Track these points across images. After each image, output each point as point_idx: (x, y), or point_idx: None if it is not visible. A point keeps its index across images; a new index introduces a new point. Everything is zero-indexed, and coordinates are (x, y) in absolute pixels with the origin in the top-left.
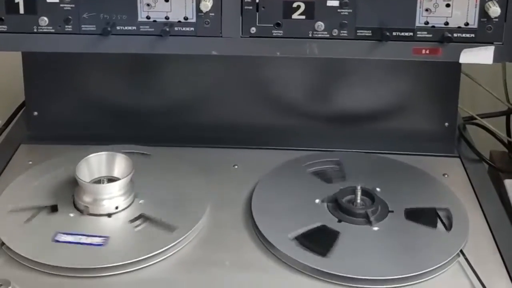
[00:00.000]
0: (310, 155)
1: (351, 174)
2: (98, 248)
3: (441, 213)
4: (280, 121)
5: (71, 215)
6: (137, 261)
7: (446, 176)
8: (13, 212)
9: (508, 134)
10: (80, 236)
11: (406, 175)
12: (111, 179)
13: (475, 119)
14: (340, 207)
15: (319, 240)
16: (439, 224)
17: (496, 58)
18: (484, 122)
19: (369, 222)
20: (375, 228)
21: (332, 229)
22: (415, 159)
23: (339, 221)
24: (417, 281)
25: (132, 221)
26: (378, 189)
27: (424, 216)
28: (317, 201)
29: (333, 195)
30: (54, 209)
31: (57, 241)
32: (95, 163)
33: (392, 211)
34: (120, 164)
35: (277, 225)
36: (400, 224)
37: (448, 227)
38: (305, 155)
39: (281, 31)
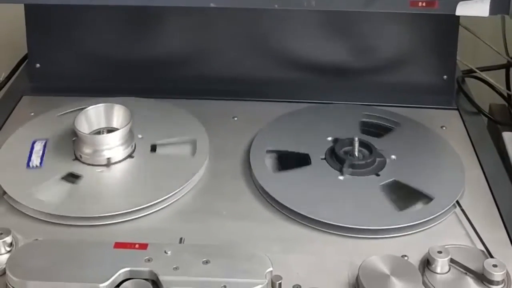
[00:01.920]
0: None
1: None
2: (98, 197)
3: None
4: (280, 74)
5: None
6: (136, 210)
7: (444, 128)
8: (14, 162)
9: (508, 87)
10: None
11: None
12: (111, 130)
13: (475, 72)
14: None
15: None
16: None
17: (492, 11)
18: (483, 75)
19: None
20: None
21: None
22: (414, 111)
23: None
24: (413, 231)
25: (133, 170)
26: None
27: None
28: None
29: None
30: (55, 159)
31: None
32: (93, 115)
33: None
34: (118, 114)
35: (275, 177)
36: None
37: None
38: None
39: None
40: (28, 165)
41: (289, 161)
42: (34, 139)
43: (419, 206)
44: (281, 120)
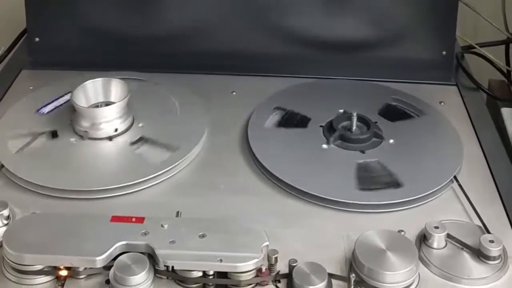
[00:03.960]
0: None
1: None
2: (97, 170)
3: (396, 104)
4: (278, 49)
5: (72, 139)
6: (135, 183)
7: (442, 104)
8: (13, 135)
9: (507, 63)
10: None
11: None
12: (109, 104)
13: (474, 48)
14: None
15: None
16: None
17: None
18: (483, 51)
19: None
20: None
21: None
22: (412, 87)
23: (362, 151)
24: (410, 206)
25: (133, 143)
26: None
27: (396, 112)
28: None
29: (337, 133)
30: (54, 134)
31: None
32: (91, 89)
33: (376, 122)
34: (116, 88)
35: (273, 152)
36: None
37: (420, 113)
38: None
39: None
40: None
41: (289, 121)
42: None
43: (383, 191)
44: (279, 94)
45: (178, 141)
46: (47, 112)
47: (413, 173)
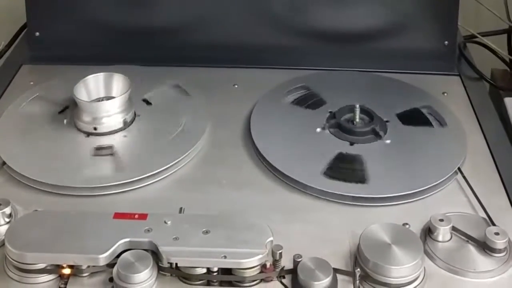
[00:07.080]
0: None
1: (326, 96)
2: (99, 167)
3: (425, 111)
4: (280, 40)
5: (74, 135)
6: (137, 180)
7: (445, 94)
8: (14, 131)
9: (510, 53)
10: None
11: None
12: (110, 99)
13: (476, 37)
14: (346, 129)
15: (349, 169)
16: (433, 122)
17: None
18: (485, 40)
19: (379, 137)
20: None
21: (351, 154)
22: (415, 77)
23: (351, 144)
24: (415, 199)
25: (134, 138)
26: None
27: (417, 117)
28: (318, 130)
29: (333, 120)
30: (56, 129)
31: None
32: (92, 84)
33: (388, 121)
34: (118, 83)
35: (277, 147)
36: (401, 131)
37: (442, 123)
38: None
39: None
40: None
41: (304, 100)
42: None
43: (389, 183)
44: (281, 87)
45: (180, 136)
46: None
47: (424, 158)
